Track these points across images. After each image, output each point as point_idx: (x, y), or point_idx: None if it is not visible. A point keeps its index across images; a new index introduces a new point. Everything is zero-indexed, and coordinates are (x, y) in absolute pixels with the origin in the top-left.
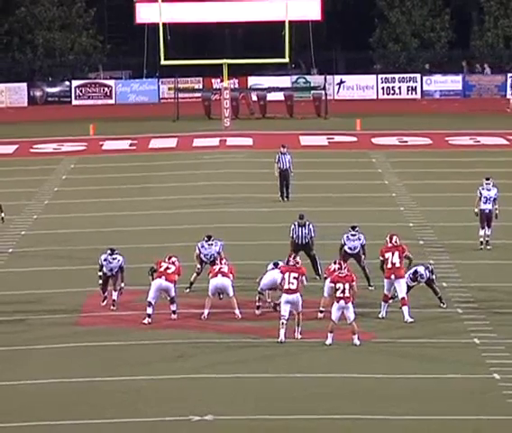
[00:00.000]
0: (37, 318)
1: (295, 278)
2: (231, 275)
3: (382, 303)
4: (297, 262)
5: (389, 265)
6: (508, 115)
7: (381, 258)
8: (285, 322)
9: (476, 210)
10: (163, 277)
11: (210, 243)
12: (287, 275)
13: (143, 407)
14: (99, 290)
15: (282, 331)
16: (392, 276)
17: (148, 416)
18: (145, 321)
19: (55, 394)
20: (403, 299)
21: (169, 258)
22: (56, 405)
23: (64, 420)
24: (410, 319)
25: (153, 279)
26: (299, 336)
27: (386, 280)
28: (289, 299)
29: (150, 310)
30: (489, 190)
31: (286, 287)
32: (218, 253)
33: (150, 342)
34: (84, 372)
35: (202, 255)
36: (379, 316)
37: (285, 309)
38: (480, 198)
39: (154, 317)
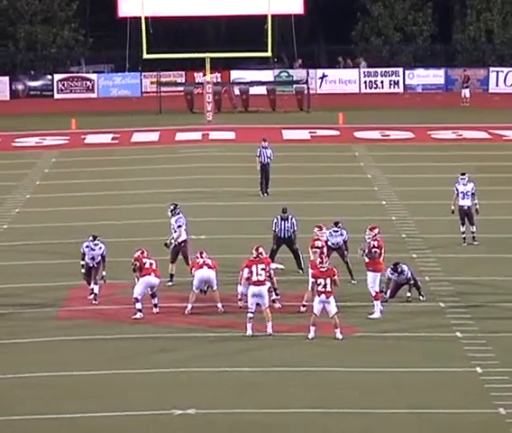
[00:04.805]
0: (18, 312)
1: (262, 269)
2: (215, 268)
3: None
4: (260, 253)
5: (381, 259)
6: (467, 108)
7: (378, 250)
8: (252, 316)
9: (452, 207)
10: (152, 274)
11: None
12: (254, 268)
13: (125, 400)
14: (84, 281)
15: (249, 325)
16: (389, 269)
17: (130, 409)
18: (137, 316)
19: (36, 388)
20: (377, 293)
21: (143, 252)
22: (37, 399)
23: (46, 414)
24: (377, 315)
25: (141, 275)
26: (271, 331)
27: (377, 275)
28: (256, 292)
29: (139, 305)
30: (465, 185)
31: (254, 279)
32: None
33: (131, 336)
34: (65, 365)
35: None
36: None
37: (252, 303)
38: (458, 194)
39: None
